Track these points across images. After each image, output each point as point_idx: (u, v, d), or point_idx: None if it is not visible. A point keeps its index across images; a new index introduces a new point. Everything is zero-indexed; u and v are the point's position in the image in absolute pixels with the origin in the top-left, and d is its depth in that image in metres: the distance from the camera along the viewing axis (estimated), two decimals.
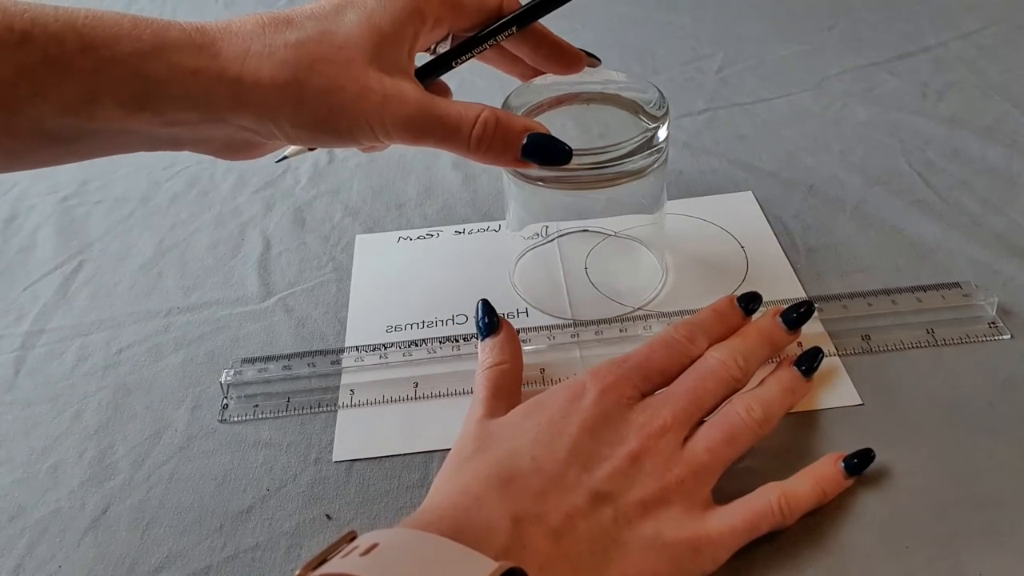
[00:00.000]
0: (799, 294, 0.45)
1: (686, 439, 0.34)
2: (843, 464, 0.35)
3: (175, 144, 0.34)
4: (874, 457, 0.35)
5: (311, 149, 0.40)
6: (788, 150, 0.58)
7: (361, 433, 0.40)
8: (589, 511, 0.31)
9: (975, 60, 0.67)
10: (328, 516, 0.36)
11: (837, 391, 0.39)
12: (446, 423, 0.39)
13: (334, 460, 0.39)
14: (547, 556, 0.29)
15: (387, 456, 0.39)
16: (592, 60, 0.41)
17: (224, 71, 0.31)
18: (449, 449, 0.39)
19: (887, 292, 0.44)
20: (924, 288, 0.44)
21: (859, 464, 0.35)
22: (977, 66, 0.66)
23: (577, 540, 0.30)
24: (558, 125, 0.38)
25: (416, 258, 0.51)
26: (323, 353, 0.43)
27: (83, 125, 0.31)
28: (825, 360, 0.39)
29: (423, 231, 0.53)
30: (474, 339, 0.43)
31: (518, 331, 0.44)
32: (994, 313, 0.42)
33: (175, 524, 0.36)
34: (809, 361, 0.38)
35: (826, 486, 0.34)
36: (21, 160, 0.33)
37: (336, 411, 0.41)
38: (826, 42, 0.71)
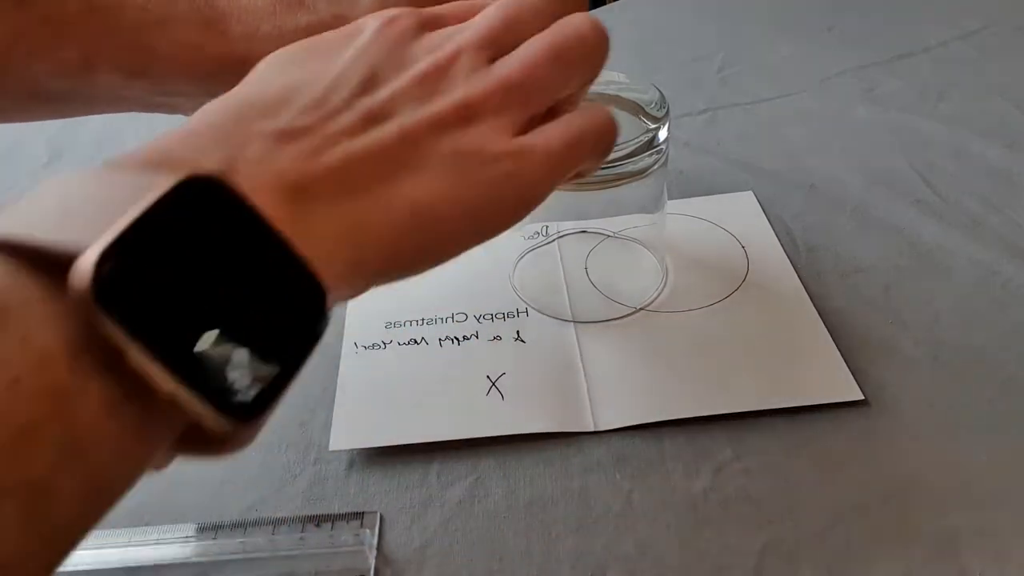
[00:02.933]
0: (800, 294, 0.45)
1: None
2: None
3: (171, 109, 0.33)
4: None
5: None
6: (788, 150, 0.58)
7: (358, 423, 0.40)
8: (361, 131, 0.24)
9: (975, 60, 0.67)
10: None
11: (836, 385, 0.39)
12: (446, 414, 0.39)
13: (330, 449, 0.38)
14: (288, 175, 0.22)
15: (386, 447, 0.39)
16: None
17: (230, 51, 0.30)
18: (450, 440, 0.39)
19: (270, 525, 0.35)
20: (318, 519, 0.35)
21: None
22: (977, 66, 0.66)
23: (346, 159, 0.23)
24: None
25: None
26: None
27: (79, 87, 0.30)
28: (823, 350, 0.39)
29: None
30: (475, 337, 0.44)
31: (517, 332, 0.44)
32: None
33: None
34: None
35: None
36: (12, 116, 0.32)
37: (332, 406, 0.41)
38: (826, 42, 0.71)
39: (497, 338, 0.44)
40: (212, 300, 0.18)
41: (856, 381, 0.40)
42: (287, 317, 0.20)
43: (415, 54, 0.26)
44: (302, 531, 0.35)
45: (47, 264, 0.17)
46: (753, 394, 0.39)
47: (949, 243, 0.48)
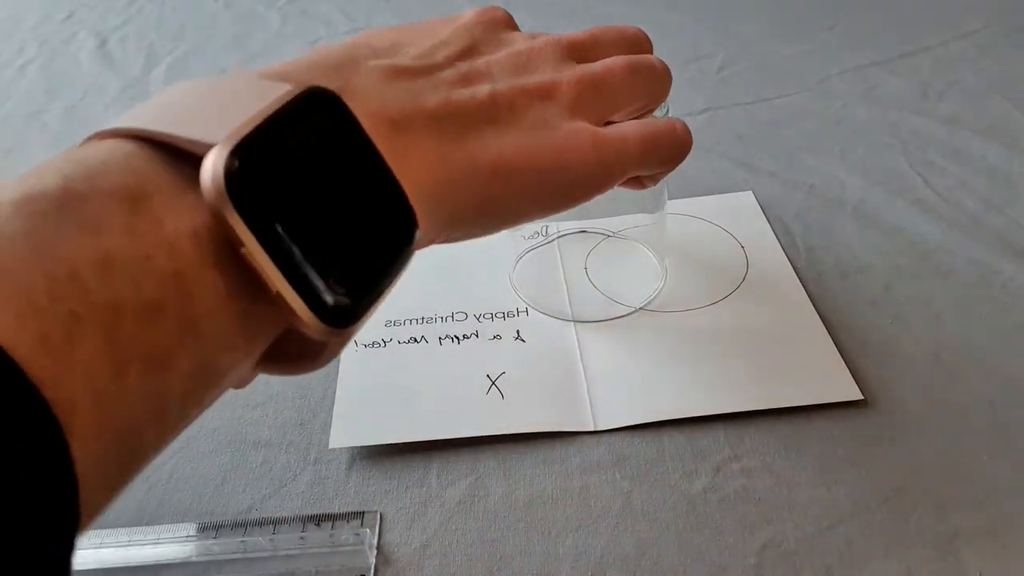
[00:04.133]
0: (800, 294, 0.45)
1: None
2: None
3: None
4: None
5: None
6: (788, 150, 0.58)
7: (358, 421, 0.40)
8: (459, 86, 0.26)
9: (975, 60, 0.67)
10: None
11: (836, 385, 0.39)
12: (446, 413, 0.39)
13: (330, 447, 0.39)
14: (391, 108, 0.24)
15: (385, 445, 0.39)
16: None
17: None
18: (450, 440, 0.39)
19: (270, 524, 0.35)
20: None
21: None
22: (977, 66, 0.66)
23: (444, 105, 0.25)
24: None
25: (415, 256, 0.50)
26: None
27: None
28: (823, 350, 0.39)
29: None
30: (474, 336, 0.44)
31: (517, 331, 0.44)
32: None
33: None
34: None
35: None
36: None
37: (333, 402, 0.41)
38: (826, 42, 0.71)
39: (497, 337, 0.44)
40: (322, 210, 0.19)
41: (856, 381, 0.40)
42: (381, 237, 0.21)
43: (511, 38, 0.30)
44: (302, 530, 0.35)
45: (180, 157, 0.18)
46: (752, 394, 0.39)
47: (949, 243, 0.48)
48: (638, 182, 0.33)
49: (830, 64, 0.68)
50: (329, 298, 0.19)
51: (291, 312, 0.18)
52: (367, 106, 0.22)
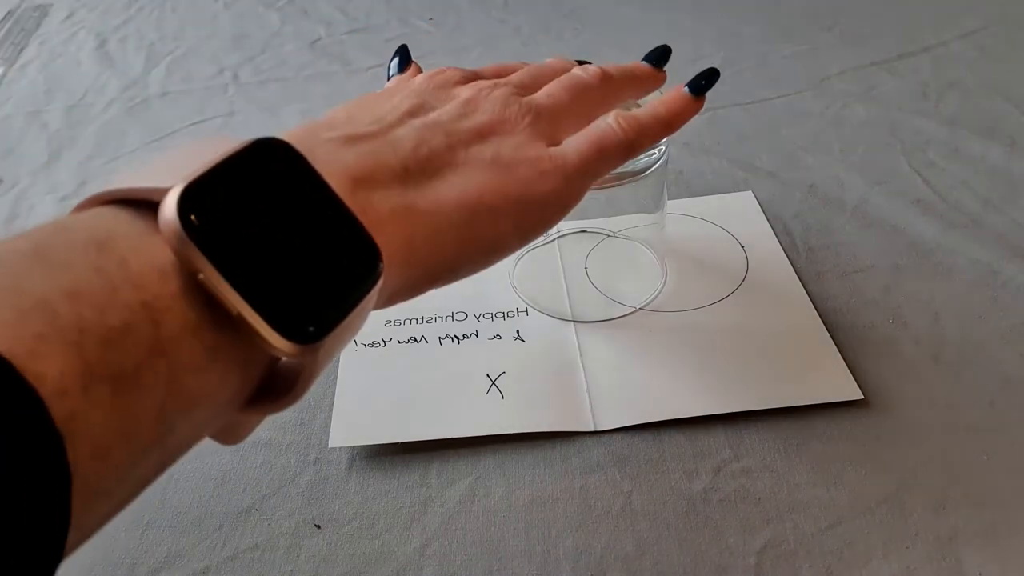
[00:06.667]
0: (800, 294, 0.45)
1: None
2: (687, 88, 0.34)
3: None
4: (718, 75, 0.35)
5: None
6: (788, 150, 0.58)
7: (358, 420, 0.40)
8: (414, 140, 0.27)
9: (975, 60, 0.67)
10: (317, 526, 0.36)
11: (836, 384, 0.39)
12: (446, 412, 0.39)
13: (330, 447, 0.39)
14: (352, 168, 0.25)
15: (385, 444, 0.39)
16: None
17: None
18: (450, 440, 0.39)
19: None
20: None
21: (705, 85, 0.34)
22: (977, 66, 0.66)
23: (402, 159, 0.27)
24: None
25: None
26: None
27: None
28: (823, 350, 0.39)
29: None
30: (474, 336, 0.44)
31: (517, 331, 0.44)
32: None
33: (175, 524, 0.36)
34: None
35: (670, 107, 0.34)
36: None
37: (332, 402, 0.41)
38: (826, 42, 0.71)
39: (497, 337, 0.44)
40: (275, 239, 0.21)
41: (856, 381, 0.40)
42: (341, 263, 0.22)
43: (458, 91, 0.31)
44: None
45: (146, 210, 0.20)
46: (753, 394, 0.39)
47: (949, 243, 0.48)
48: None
49: (830, 64, 0.68)
50: (289, 314, 0.20)
51: (252, 331, 0.20)
52: (328, 168, 0.24)
